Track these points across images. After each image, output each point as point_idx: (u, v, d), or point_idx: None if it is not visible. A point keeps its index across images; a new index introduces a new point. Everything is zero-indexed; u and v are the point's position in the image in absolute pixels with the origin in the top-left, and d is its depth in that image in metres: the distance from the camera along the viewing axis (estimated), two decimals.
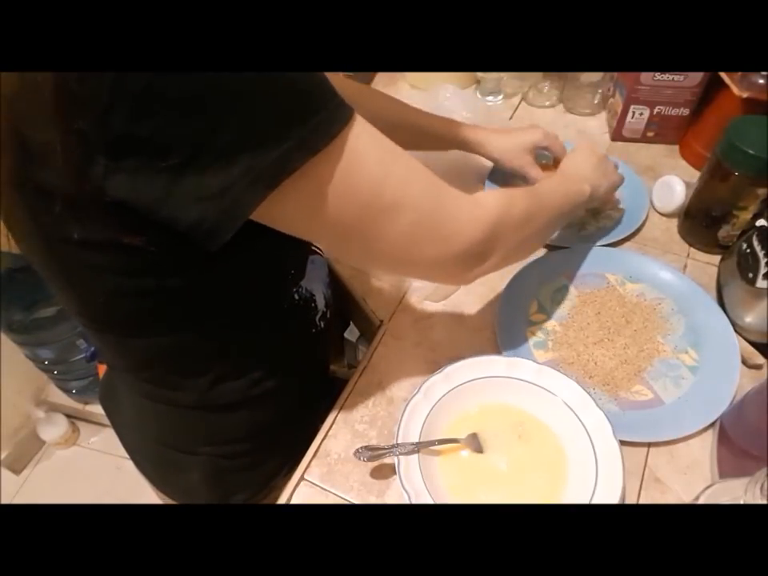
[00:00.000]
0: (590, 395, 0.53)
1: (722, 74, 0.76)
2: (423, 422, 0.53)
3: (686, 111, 0.84)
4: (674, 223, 0.77)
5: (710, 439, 0.55)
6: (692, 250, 0.74)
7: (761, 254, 0.59)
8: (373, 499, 0.53)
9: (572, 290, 0.69)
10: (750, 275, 0.60)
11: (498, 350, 0.62)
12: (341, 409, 0.60)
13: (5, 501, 1.45)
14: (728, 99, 0.75)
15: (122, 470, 1.46)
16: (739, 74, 0.75)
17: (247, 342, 0.53)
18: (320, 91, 0.35)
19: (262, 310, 0.52)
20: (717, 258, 0.71)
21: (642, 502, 0.52)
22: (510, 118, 0.98)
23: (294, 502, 0.54)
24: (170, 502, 0.67)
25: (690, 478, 0.53)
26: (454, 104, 0.90)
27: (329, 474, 0.55)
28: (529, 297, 0.68)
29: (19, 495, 1.49)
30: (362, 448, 0.52)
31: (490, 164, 0.81)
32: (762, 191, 0.64)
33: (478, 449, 0.52)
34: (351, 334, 0.81)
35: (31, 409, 1.51)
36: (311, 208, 0.37)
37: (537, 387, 0.55)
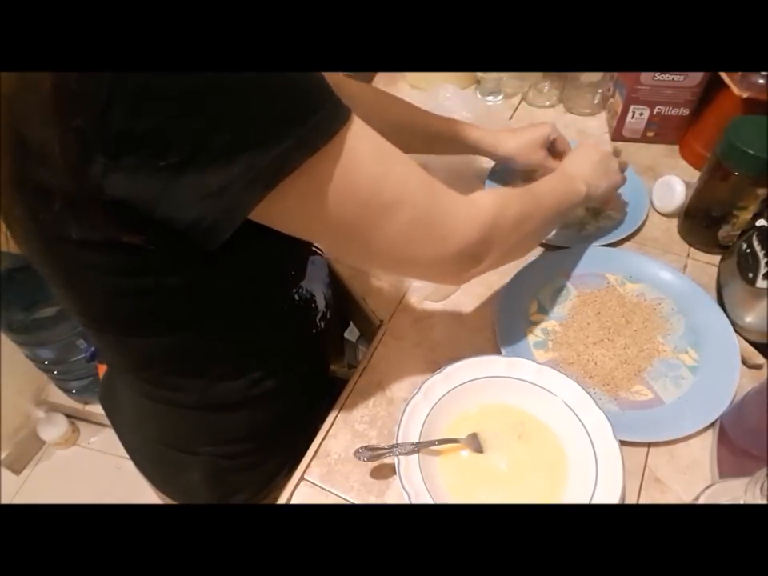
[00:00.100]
0: (590, 395, 0.53)
1: (722, 74, 0.76)
2: (423, 421, 0.53)
3: (685, 111, 0.84)
4: (674, 223, 0.77)
5: (709, 439, 0.55)
6: (692, 250, 0.74)
7: (761, 254, 0.59)
8: (373, 499, 0.53)
9: (572, 289, 0.68)
10: (750, 275, 0.60)
11: (497, 349, 0.62)
12: (341, 409, 0.60)
13: (5, 501, 1.45)
14: (728, 99, 0.75)
15: (122, 470, 1.46)
16: (739, 73, 0.75)
17: (247, 342, 0.53)
18: (318, 91, 0.35)
19: (262, 310, 0.52)
20: (717, 258, 0.71)
21: (642, 502, 0.52)
22: (510, 118, 0.98)
23: (294, 502, 0.54)
24: (170, 502, 0.67)
25: (689, 478, 0.53)
26: (454, 104, 0.90)
27: (329, 474, 0.55)
28: (529, 297, 0.68)
29: (19, 495, 1.49)
30: (362, 448, 0.52)
31: (490, 164, 0.81)
32: (762, 191, 0.64)
33: (478, 449, 0.52)
34: (351, 334, 0.81)
35: (31, 409, 1.51)
36: (311, 207, 0.37)
37: (537, 387, 0.55)
